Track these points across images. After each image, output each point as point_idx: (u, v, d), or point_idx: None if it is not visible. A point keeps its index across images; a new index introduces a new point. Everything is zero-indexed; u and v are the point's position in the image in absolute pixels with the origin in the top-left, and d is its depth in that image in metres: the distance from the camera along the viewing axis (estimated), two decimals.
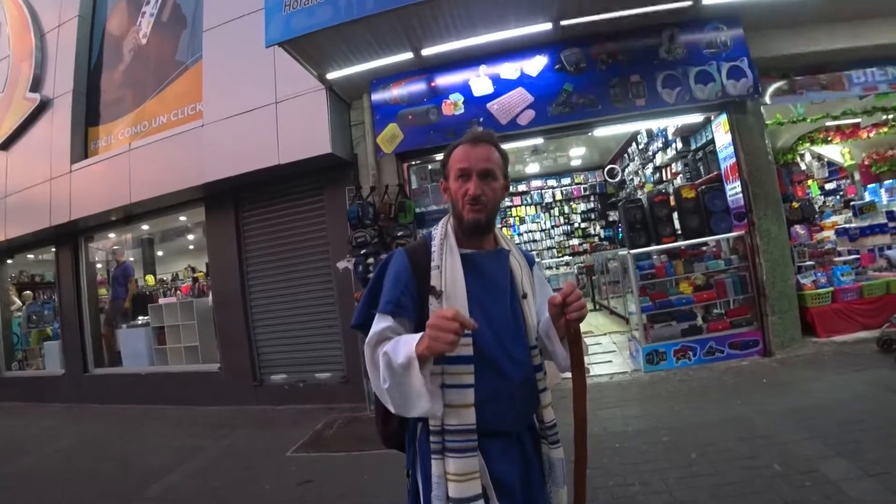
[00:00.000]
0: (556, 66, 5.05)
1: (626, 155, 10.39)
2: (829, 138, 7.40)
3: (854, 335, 4.97)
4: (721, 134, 5.38)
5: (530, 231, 12.57)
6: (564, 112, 5.04)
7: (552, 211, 12.71)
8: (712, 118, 5.56)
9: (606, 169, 11.37)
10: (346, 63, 4.98)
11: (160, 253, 9.46)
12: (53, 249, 7.94)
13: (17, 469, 4.65)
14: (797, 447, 2.93)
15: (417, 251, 1.32)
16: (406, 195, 5.38)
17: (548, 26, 4.73)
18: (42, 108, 7.54)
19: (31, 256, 9.48)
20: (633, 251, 5.32)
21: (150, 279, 8.66)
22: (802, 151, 8.01)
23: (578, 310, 1.19)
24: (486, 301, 1.28)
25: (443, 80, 5.25)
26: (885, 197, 6.71)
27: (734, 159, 5.15)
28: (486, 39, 4.83)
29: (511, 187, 1.35)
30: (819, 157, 8.56)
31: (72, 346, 7.57)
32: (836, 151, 8.13)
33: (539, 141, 6.51)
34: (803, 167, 8.19)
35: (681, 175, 7.35)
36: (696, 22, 4.90)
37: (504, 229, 11.78)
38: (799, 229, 5.83)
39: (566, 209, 12.65)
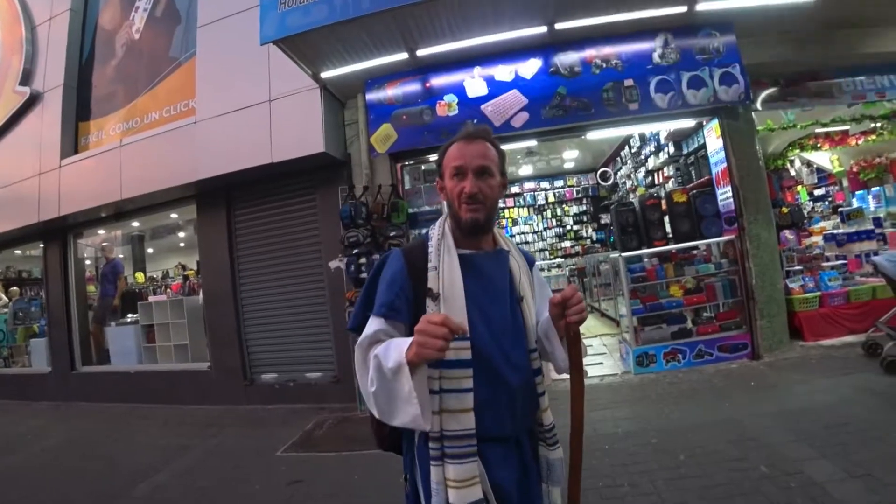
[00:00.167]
0: (551, 69, 5.07)
1: (618, 158, 10.45)
2: (819, 145, 7.52)
3: (841, 339, 5.04)
4: (713, 139, 5.44)
5: (523, 233, 12.59)
6: (558, 115, 5.06)
7: (545, 213, 12.74)
8: (704, 123, 5.60)
9: (599, 172, 11.42)
10: (341, 62, 4.97)
11: (150, 250, 9.40)
12: (41, 245, 7.84)
13: (4, 468, 4.58)
14: (784, 449, 2.97)
15: (414, 251, 1.29)
16: (399, 195, 5.37)
17: (542, 29, 4.75)
18: (32, 101, 7.44)
19: (18, 252, 9.35)
20: (624, 254, 5.36)
21: (140, 277, 8.59)
22: (792, 157, 8.13)
23: (579, 313, 1.18)
24: (485, 303, 1.25)
25: (437, 81, 5.25)
26: (872, 203, 6.82)
27: (725, 164, 5.20)
28: (481, 41, 4.84)
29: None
30: (808, 164, 8.67)
31: (59, 343, 7.48)
32: (825, 158, 8.23)
33: (532, 143, 6.55)
34: (793, 173, 8.30)
35: (672, 179, 7.41)
36: (690, 27, 4.94)
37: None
38: (788, 234, 5.91)
39: (559, 211, 12.70)
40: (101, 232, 7.96)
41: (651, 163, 8.26)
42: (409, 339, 1.04)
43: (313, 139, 5.18)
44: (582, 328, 1.26)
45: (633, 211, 5.68)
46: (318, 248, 5.74)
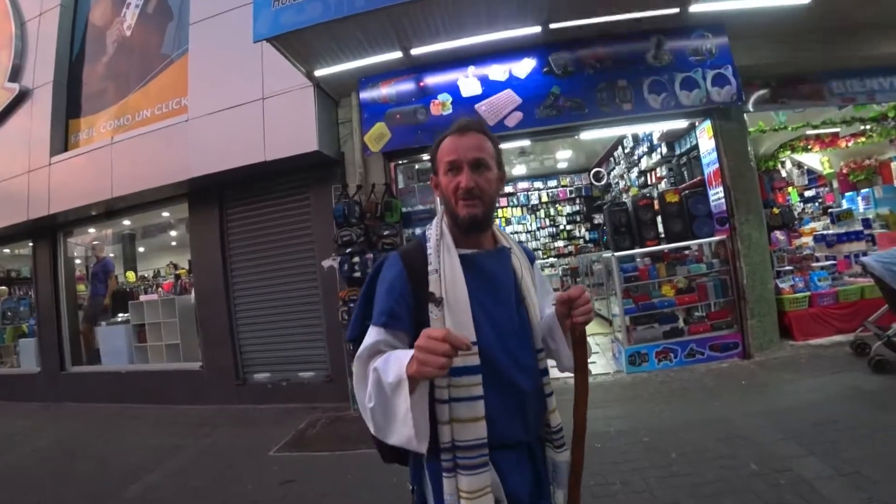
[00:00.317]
0: (545, 69, 5.09)
1: (611, 158, 10.48)
2: (809, 147, 7.59)
3: (830, 339, 5.10)
4: (705, 140, 5.48)
5: (516, 232, 12.60)
6: (552, 115, 5.08)
7: (538, 213, 12.77)
8: (697, 124, 5.64)
9: (592, 172, 11.47)
10: (335, 60, 4.95)
11: (142, 249, 9.30)
12: (31, 244, 7.75)
13: None
14: (773, 447, 3.00)
15: (412, 254, 1.22)
16: (393, 194, 5.37)
17: (537, 29, 4.76)
18: (21, 98, 7.35)
19: (6, 251, 9.23)
20: (617, 254, 5.39)
21: (131, 276, 8.50)
22: (783, 159, 8.20)
23: (586, 313, 1.16)
24: (489, 305, 1.19)
25: (431, 80, 5.25)
26: (861, 205, 6.91)
27: (717, 165, 5.25)
28: (476, 41, 4.85)
29: None
30: (799, 165, 8.76)
31: (48, 343, 7.40)
32: (815, 160, 8.33)
33: (526, 143, 6.57)
34: (784, 174, 8.37)
35: (665, 179, 7.45)
36: (683, 29, 4.97)
37: None
38: (779, 235, 5.96)
39: (552, 211, 12.72)
40: (92, 230, 7.88)
41: (644, 163, 8.30)
42: (411, 352, 0.97)
43: (307, 137, 5.16)
44: None
45: (626, 211, 5.70)
46: (311, 247, 5.71)
